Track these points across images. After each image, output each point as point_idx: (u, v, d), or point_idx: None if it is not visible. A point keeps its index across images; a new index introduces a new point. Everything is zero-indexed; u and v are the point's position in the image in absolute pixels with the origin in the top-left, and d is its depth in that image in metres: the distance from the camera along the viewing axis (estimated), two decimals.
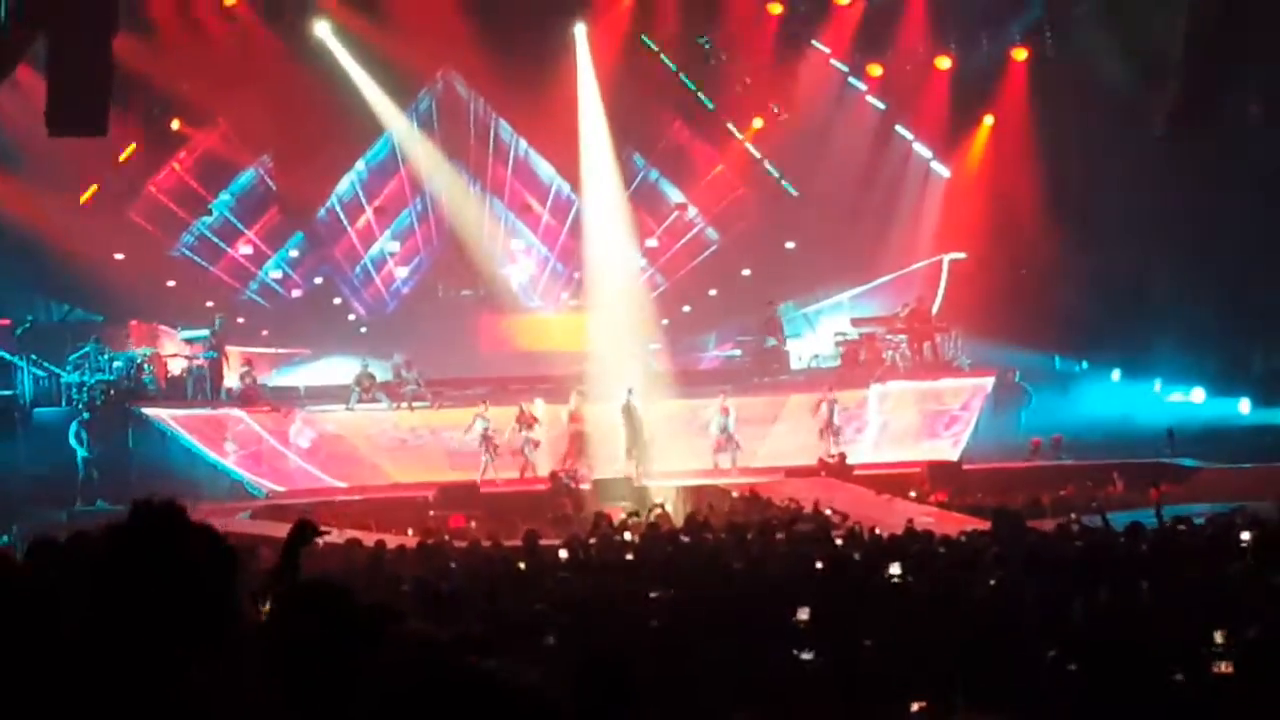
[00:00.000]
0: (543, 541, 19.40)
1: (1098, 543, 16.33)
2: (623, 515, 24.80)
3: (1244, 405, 34.59)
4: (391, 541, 21.49)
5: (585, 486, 30.76)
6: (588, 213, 38.76)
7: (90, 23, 24.71)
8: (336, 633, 5.84)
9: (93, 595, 3.86)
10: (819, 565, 14.78)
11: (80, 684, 3.69)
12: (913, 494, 29.42)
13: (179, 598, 3.80)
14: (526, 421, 32.87)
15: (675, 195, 41.14)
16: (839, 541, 18.68)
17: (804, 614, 11.58)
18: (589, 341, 37.30)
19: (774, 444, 34.13)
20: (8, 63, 28.87)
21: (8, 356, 33.63)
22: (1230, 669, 8.88)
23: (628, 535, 21.20)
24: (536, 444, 32.83)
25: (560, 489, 30.36)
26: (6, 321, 33.97)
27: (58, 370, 33.34)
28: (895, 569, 13.94)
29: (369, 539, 21.65)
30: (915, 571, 14.13)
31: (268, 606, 6.78)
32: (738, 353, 39.28)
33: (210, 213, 38.90)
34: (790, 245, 41.13)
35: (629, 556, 17.26)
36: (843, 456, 32.27)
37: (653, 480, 31.27)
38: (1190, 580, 12.07)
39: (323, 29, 36.34)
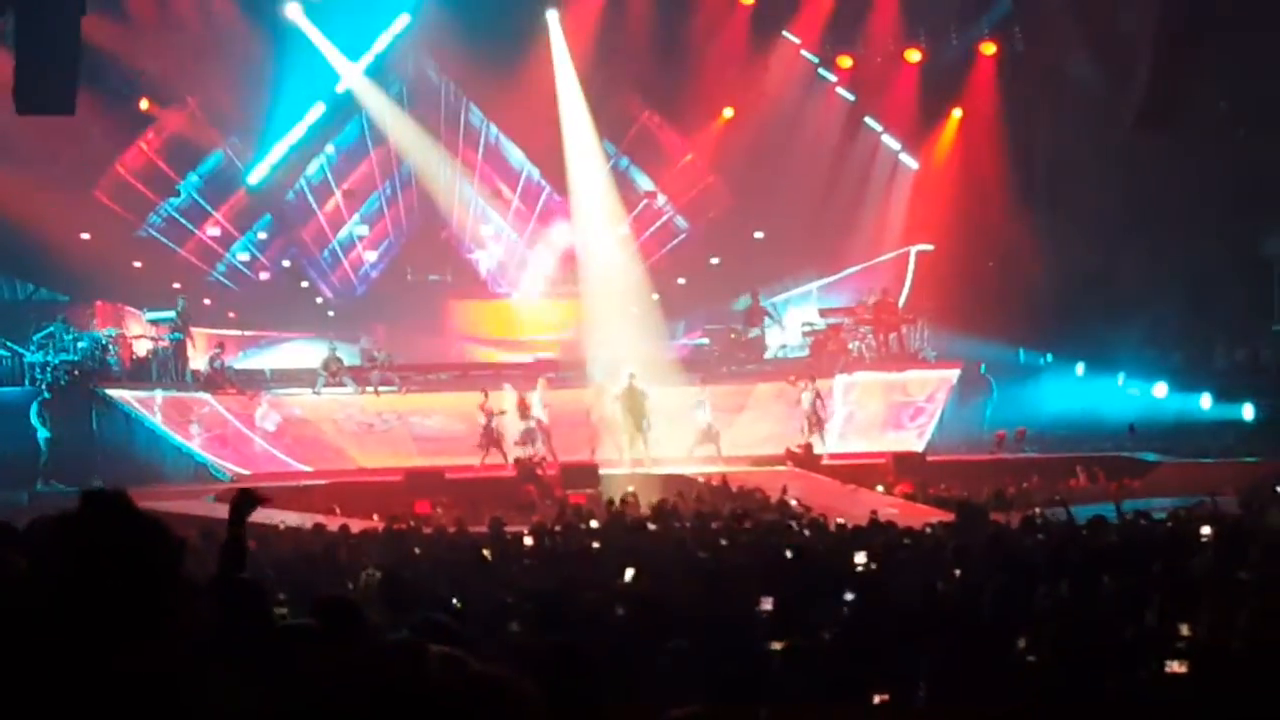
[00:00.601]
0: (509, 528, 19.43)
1: (1060, 536, 16.41)
2: (623, 495, 25.01)
3: (1205, 400, 34.75)
4: (356, 527, 21.50)
5: (553, 473, 30.80)
6: (574, 196, 38.91)
7: (59, 1, 24.65)
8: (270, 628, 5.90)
9: (38, 581, 3.89)
10: (785, 555, 14.81)
11: (23, 667, 3.72)
12: (880, 486, 29.49)
13: (122, 586, 3.82)
14: (525, 408, 32.86)
15: (645, 183, 41.14)
16: (805, 532, 18.74)
17: (768, 604, 11.62)
18: (566, 328, 37.51)
19: (741, 432, 34.20)
20: None
21: None
22: (1187, 667, 8.95)
23: (594, 523, 21.24)
24: (539, 426, 32.77)
25: (526, 476, 30.37)
26: None
27: (21, 350, 33.21)
28: (860, 558, 14.00)
29: (334, 524, 21.67)
30: (879, 562, 14.20)
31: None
32: (705, 341, 39.32)
33: (178, 194, 38.75)
34: (759, 235, 41.17)
35: (595, 544, 17.27)
36: (809, 446, 32.35)
37: (627, 468, 31.38)
38: (1152, 575, 12.13)
39: (294, 10, 36.23)
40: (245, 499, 8.35)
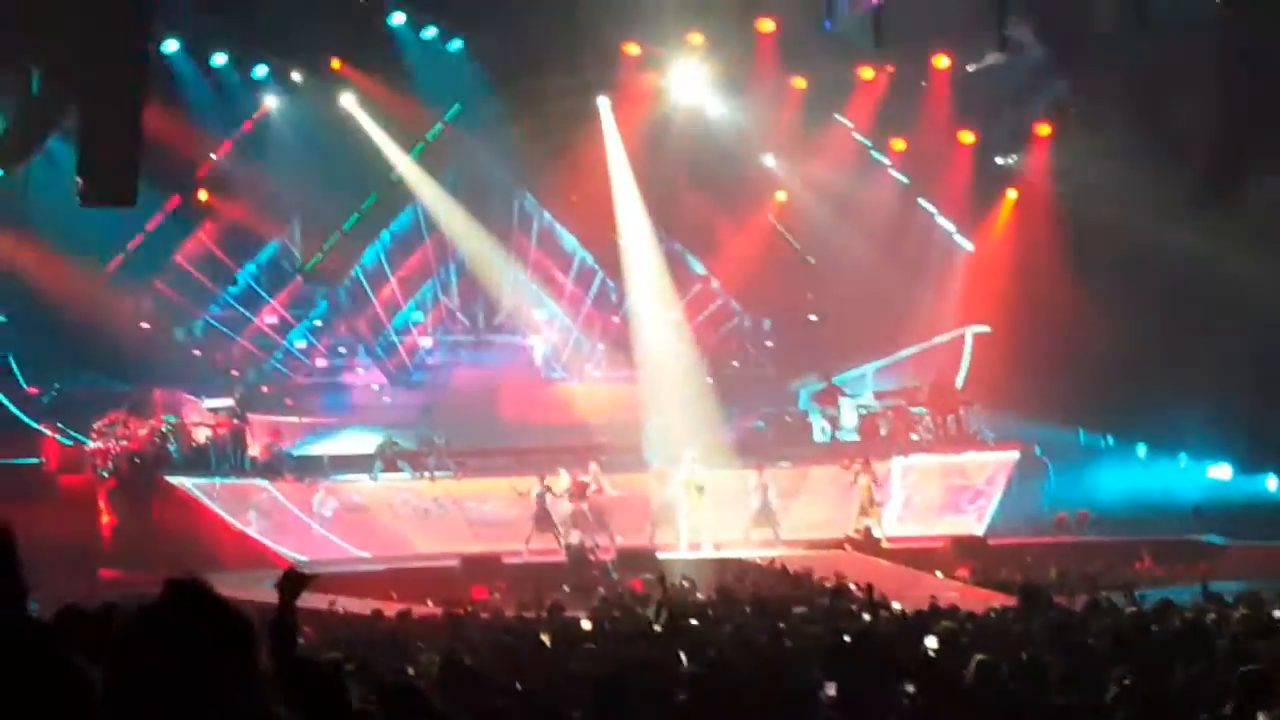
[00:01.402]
0: (567, 613, 19.37)
1: (1127, 620, 16.23)
2: (673, 582, 24.87)
3: (1271, 482, 34.44)
4: (414, 612, 21.48)
5: (608, 558, 30.71)
6: (627, 281, 39.06)
7: (121, 95, 24.89)
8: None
9: (120, 669, 3.89)
10: (845, 640, 14.69)
11: None
12: (939, 571, 29.30)
13: (205, 675, 3.82)
14: (579, 491, 32.73)
15: (698, 267, 41.18)
16: (865, 616, 18.60)
17: (830, 690, 11.51)
18: (620, 412, 37.59)
19: (797, 516, 34.03)
20: (40, 134, 29.11)
21: (34, 424, 33.73)
22: None
23: (651, 607, 21.14)
24: (592, 510, 32.63)
25: (579, 560, 30.29)
26: (34, 389, 34.09)
27: (82, 438, 33.43)
28: (931, 642, 13.86)
29: (392, 609, 21.64)
30: (940, 648, 14.06)
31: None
32: (760, 424, 39.23)
33: (235, 282, 39.04)
34: (813, 318, 41.15)
35: (654, 628, 17.18)
36: (867, 531, 32.17)
37: (694, 552, 31.28)
38: (1223, 659, 11.96)
39: (348, 100, 36.60)
40: (293, 579, 8.23)
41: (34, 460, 33.18)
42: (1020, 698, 10.94)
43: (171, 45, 33.67)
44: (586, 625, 17.79)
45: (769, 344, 41.84)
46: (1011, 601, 19.84)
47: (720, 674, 12.42)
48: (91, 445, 33.10)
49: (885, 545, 31.67)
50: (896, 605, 20.03)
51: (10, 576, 4.08)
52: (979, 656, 11.64)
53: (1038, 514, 34.75)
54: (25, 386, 34.32)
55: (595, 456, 34.40)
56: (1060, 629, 14.82)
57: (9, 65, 28.57)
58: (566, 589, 27.72)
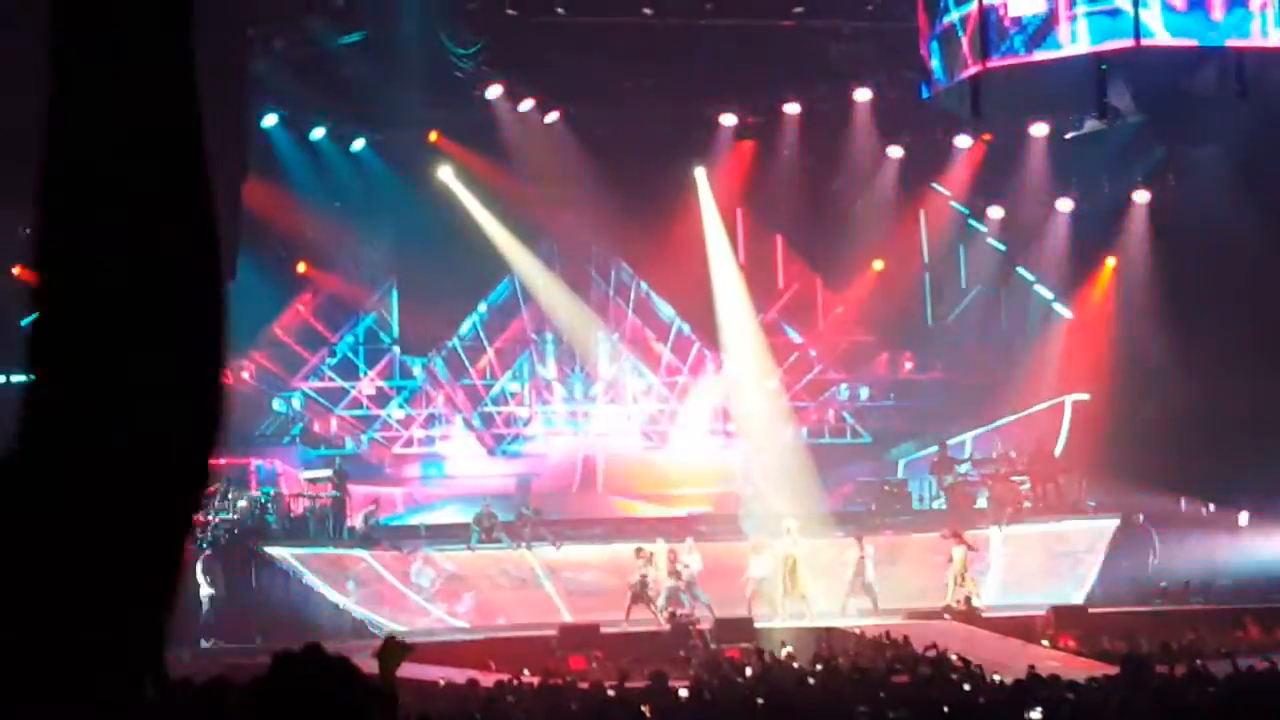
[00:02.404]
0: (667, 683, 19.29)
1: (1233, 687, 16.03)
2: (785, 650, 24.85)
3: None
4: (512, 682, 21.47)
5: (705, 628, 30.61)
6: (725, 350, 39.18)
7: (222, 168, 25.19)
8: None
9: None
10: (945, 710, 14.59)
11: None
12: (1045, 641, 29.05)
13: None
14: (674, 562, 32.63)
15: (795, 336, 41.17)
16: (965, 686, 18.46)
17: None
18: (718, 481, 37.66)
19: (896, 585, 33.81)
20: None
21: None
22: None
23: (749, 673, 21.06)
24: (688, 580, 32.52)
25: (682, 631, 30.20)
26: None
27: None
28: (1035, 714, 13.74)
29: (488, 679, 21.65)
30: (1043, 717, 13.93)
31: None
32: (860, 505, 39.09)
33: (334, 353, 39.38)
34: (910, 385, 41.10)
35: (755, 699, 17.11)
36: (968, 600, 31.91)
37: (783, 621, 31.16)
38: None
39: (445, 173, 36.93)
40: (393, 648, 8.17)
41: None
42: None
43: (271, 119, 34.13)
44: (683, 694, 17.72)
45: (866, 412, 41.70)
46: (1113, 670, 19.63)
47: None
48: None
49: (984, 614, 31.38)
50: (996, 676, 19.87)
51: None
52: None
53: (1139, 582, 34.39)
54: None
55: (692, 527, 34.34)
56: (1162, 697, 14.67)
57: None
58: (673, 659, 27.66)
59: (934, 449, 38.62)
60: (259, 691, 4.01)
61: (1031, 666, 20.15)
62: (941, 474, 37.69)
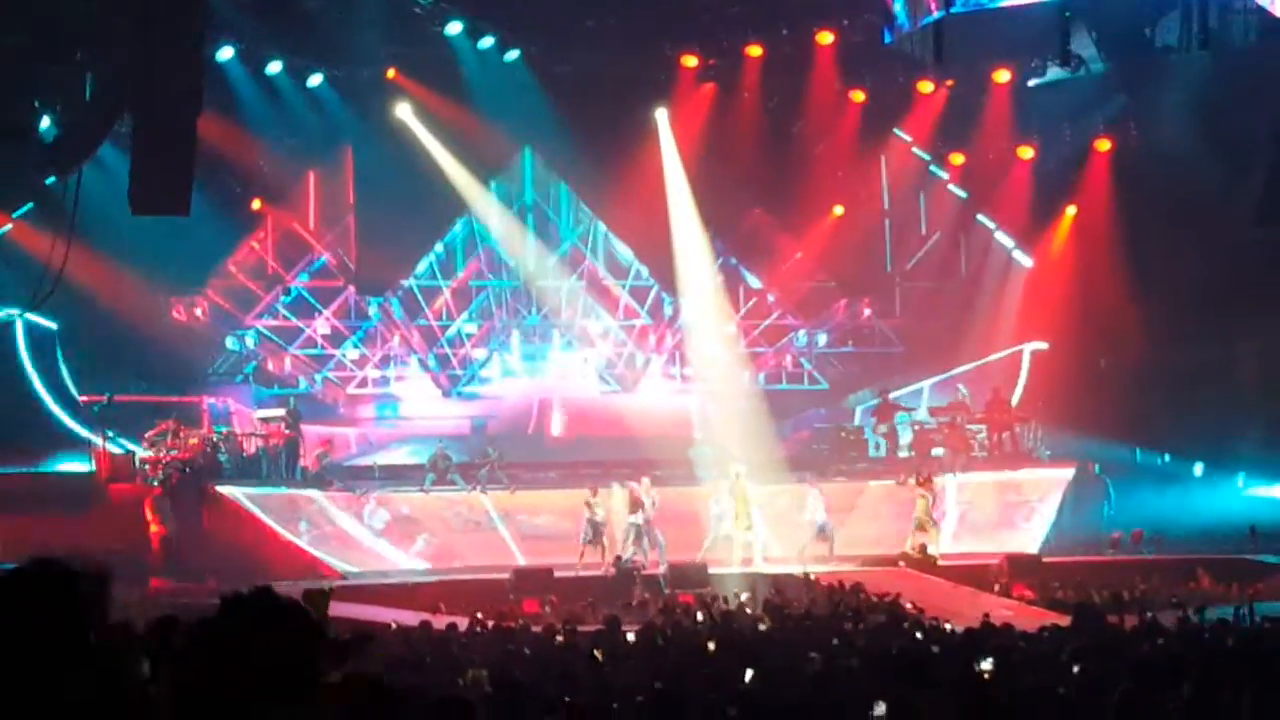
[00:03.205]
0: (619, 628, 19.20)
1: (1182, 640, 15.99)
2: (738, 598, 24.81)
3: None
4: (463, 625, 21.35)
5: (659, 572, 30.54)
6: (682, 294, 38.98)
7: (175, 103, 24.90)
8: None
9: (184, 683, 3.86)
10: (896, 657, 14.48)
11: None
12: (996, 588, 29.12)
13: (272, 680, 3.77)
14: (636, 504, 32.47)
15: (754, 281, 41.01)
16: (917, 634, 18.40)
17: (880, 709, 11.30)
18: (673, 425, 37.60)
19: (851, 532, 33.83)
20: (92, 142, 29.17)
21: (86, 433, 33.80)
22: None
23: (701, 619, 20.98)
24: (645, 528, 32.36)
25: (626, 576, 30.15)
26: (85, 398, 34.16)
27: (134, 447, 33.48)
28: (987, 665, 13.64)
29: (440, 622, 21.53)
30: (994, 667, 13.85)
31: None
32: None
33: (288, 292, 39.07)
34: (869, 332, 41.07)
35: (706, 644, 17.00)
36: (923, 548, 31.90)
37: (746, 568, 31.12)
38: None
39: (404, 110, 36.55)
40: (315, 597, 7.77)
41: (86, 469, 33.22)
42: (1075, 717, 10.73)
43: (226, 53, 33.64)
44: (637, 640, 17.60)
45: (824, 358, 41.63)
46: (1065, 620, 19.62)
47: (771, 690, 12.25)
48: (142, 454, 33.12)
49: (940, 563, 31.41)
50: (949, 624, 19.83)
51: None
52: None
53: (1093, 532, 34.50)
54: (77, 395, 34.39)
55: (648, 471, 34.26)
56: (1113, 648, 14.60)
57: (63, 70, 28.65)
58: (623, 604, 27.60)
59: (901, 392, 38.70)
60: (206, 633, 3.91)
61: (986, 615, 20.13)
62: (881, 421, 37.70)
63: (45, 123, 29.96)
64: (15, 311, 32.99)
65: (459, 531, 34.45)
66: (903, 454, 37.28)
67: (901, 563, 31.42)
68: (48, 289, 26.66)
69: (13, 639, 3.77)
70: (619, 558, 31.21)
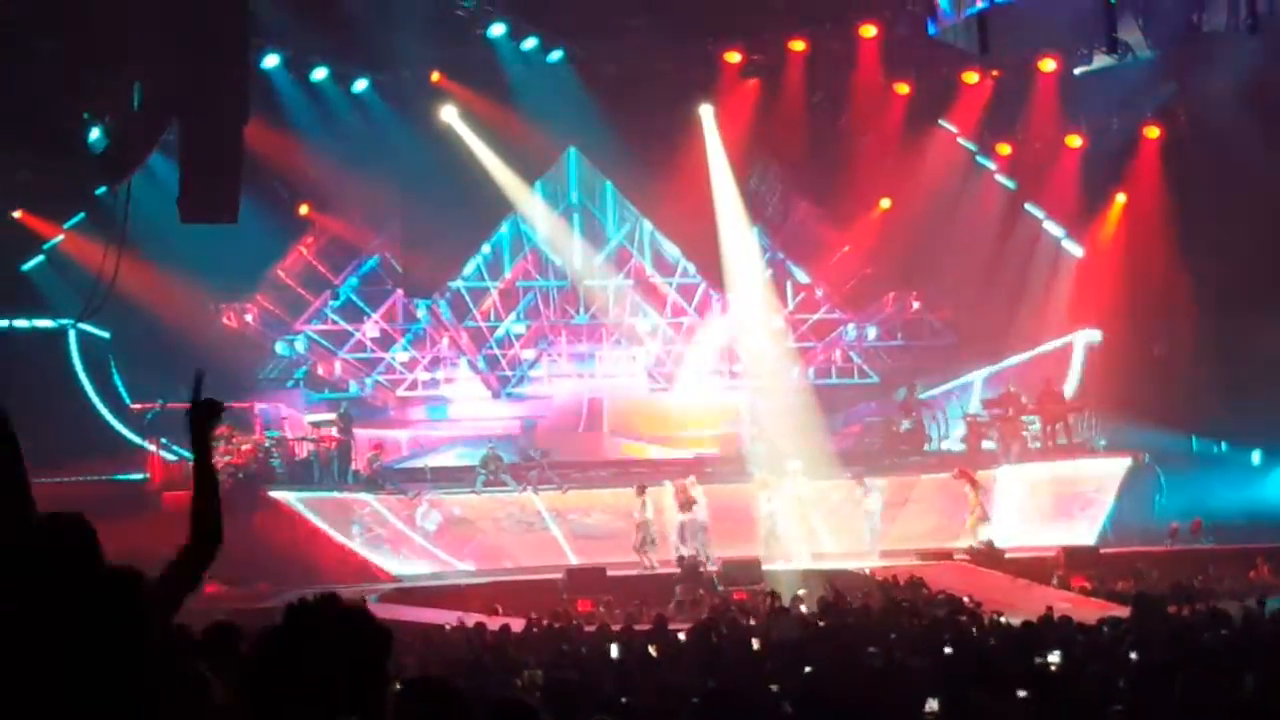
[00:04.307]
0: (672, 626, 19.18)
1: (1245, 629, 15.85)
2: (795, 595, 24.76)
3: None
4: (518, 625, 21.35)
5: (713, 568, 30.50)
6: (730, 290, 38.94)
7: (222, 111, 24.95)
8: None
9: (253, 691, 3.87)
10: (954, 652, 14.40)
11: None
12: (1054, 580, 28.97)
13: (341, 685, 3.78)
14: (686, 503, 32.45)
15: (801, 276, 40.92)
16: (974, 629, 18.28)
17: (933, 704, 11.24)
18: (724, 422, 37.56)
19: (905, 526, 33.73)
20: (141, 150, 29.24)
21: (139, 441, 33.95)
22: None
23: (756, 618, 20.93)
24: (695, 525, 32.34)
25: (692, 572, 30.09)
26: (138, 406, 34.32)
27: (186, 454, 33.57)
28: (1055, 658, 13.56)
29: (495, 623, 21.53)
30: (1057, 659, 13.76)
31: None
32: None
33: (337, 296, 39.17)
34: (918, 324, 40.94)
35: (760, 641, 16.94)
36: (990, 543, 31.72)
37: (791, 563, 31.05)
38: None
39: (449, 113, 36.57)
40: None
41: (139, 476, 33.38)
42: (1138, 709, 10.63)
43: (272, 60, 33.76)
44: (692, 638, 17.54)
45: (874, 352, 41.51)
46: (1124, 612, 19.49)
47: (826, 688, 12.17)
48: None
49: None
50: (1006, 617, 19.71)
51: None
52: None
53: (1150, 522, 34.30)
54: (129, 403, 34.55)
55: (697, 469, 34.18)
56: (1176, 639, 14.47)
57: (112, 81, 28.75)
58: (682, 602, 27.60)
59: (951, 385, 38.63)
60: (274, 639, 3.91)
61: (1049, 609, 20.02)
62: (906, 416, 37.62)
63: (94, 134, 30.08)
64: (68, 321, 33.19)
65: (511, 532, 34.50)
66: (956, 447, 37.17)
67: (959, 556, 31.28)
68: (99, 299, 26.76)
69: (80, 639, 3.78)
70: (681, 557, 31.17)
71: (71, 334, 33.99)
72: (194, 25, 24.50)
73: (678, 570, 30.40)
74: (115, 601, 3.95)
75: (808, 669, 13.30)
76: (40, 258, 33.96)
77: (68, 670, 3.86)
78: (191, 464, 6.55)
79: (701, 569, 30.35)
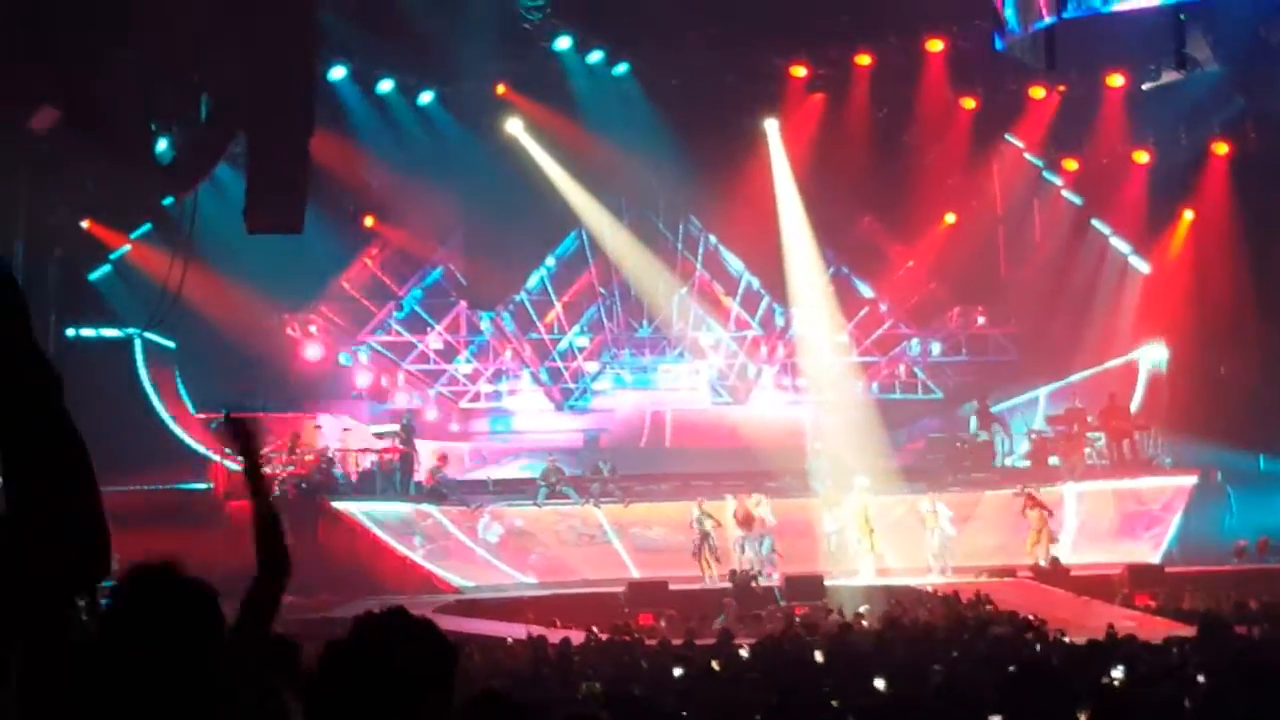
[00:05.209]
0: (735, 640, 19.12)
1: None
2: (857, 611, 24.66)
3: None
4: (578, 639, 21.32)
5: (774, 583, 30.42)
6: (794, 304, 38.94)
7: (288, 123, 25.03)
8: None
9: (319, 705, 3.88)
10: (1018, 670, 14.27)
11: None
12: (1118, 598, 28.76)
13: (408, 700, 3.78)
14: (746, 519, 32.40)
15: (865, 290, 40.82)
16: (1037, 646, 18.15)
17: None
18: (787, 436, 37.47)
19: (969, 542, 33.55)
20: (208, 161, 29.42)
21: (203, 451, 34.12)
22: None
23: (818, 632, 20.83)
24: (757, 541, 32.29)
25: (744, 587, 30.02)
26: (203, 415, 34.51)
27: None
28: (1119, 673, 13.43)
29: (555, 636, 21.52)
30: (1122, 678, 13.63)
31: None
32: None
33: (401, 307, 39.32)
34: (983, 340, 40.75)
35: (822, 656, 16.85)
36: (1055, 560, 31.55)
37: (854, 578, 30.96)
38: None
39: (514, 125, 36.68)
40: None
41: (204, 486, 33.55)
42: None
43: (338, 72, 33.95)
44: (754, 653, 17.49)
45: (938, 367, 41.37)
46: (1190, 631, 19.29)
47: (888, 705, 12.09)
48: None
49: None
50: (1070, 636, 19.56)
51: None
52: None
53: (1216, 541, 33.99)
54: (195, 412, 34.74)
55: (761, 483, 34.13)
56: (1243, 659, 14.31)
57: (179, 93, 28.91)
58: (725, 616, 27.46)
59: (1015, 401, 38.40)
60: (341, 653, 3.91)
61: (1111, 627, 19.87)
62: (984, 428, 37.47)
63: (162, 145, 30.26)
64: (134, 330, 33.40)
65: (573, 545, 34.53)
66: (1020, 463, 36.99)
67: (1022, 573, 31.09)
68: (165, 308, 26.89)
69: (151, 648, 3.76)
70: (733, 571, 31.13)
71: (137, 343, 34.19)
72: (261, 38, 24.61)
73: (731, 585, 30.37)
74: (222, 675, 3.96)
75: (870, 686, 13.21)
76: (107, 267, 34.15)
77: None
78: (250, 501, 6.43)
79: (754, 584, 30.29)
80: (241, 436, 6.60)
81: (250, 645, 5.71)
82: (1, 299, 3.02)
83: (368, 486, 34.42)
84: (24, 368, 3.01)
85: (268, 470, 27.81)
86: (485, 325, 40.14)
